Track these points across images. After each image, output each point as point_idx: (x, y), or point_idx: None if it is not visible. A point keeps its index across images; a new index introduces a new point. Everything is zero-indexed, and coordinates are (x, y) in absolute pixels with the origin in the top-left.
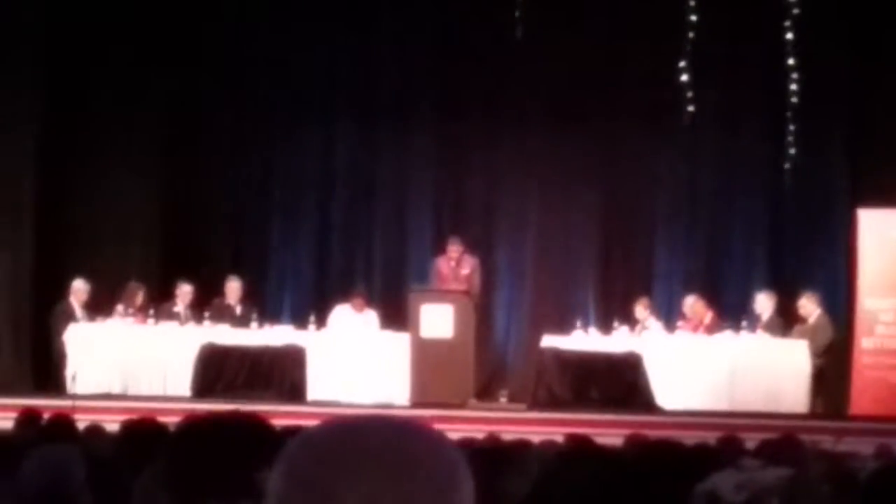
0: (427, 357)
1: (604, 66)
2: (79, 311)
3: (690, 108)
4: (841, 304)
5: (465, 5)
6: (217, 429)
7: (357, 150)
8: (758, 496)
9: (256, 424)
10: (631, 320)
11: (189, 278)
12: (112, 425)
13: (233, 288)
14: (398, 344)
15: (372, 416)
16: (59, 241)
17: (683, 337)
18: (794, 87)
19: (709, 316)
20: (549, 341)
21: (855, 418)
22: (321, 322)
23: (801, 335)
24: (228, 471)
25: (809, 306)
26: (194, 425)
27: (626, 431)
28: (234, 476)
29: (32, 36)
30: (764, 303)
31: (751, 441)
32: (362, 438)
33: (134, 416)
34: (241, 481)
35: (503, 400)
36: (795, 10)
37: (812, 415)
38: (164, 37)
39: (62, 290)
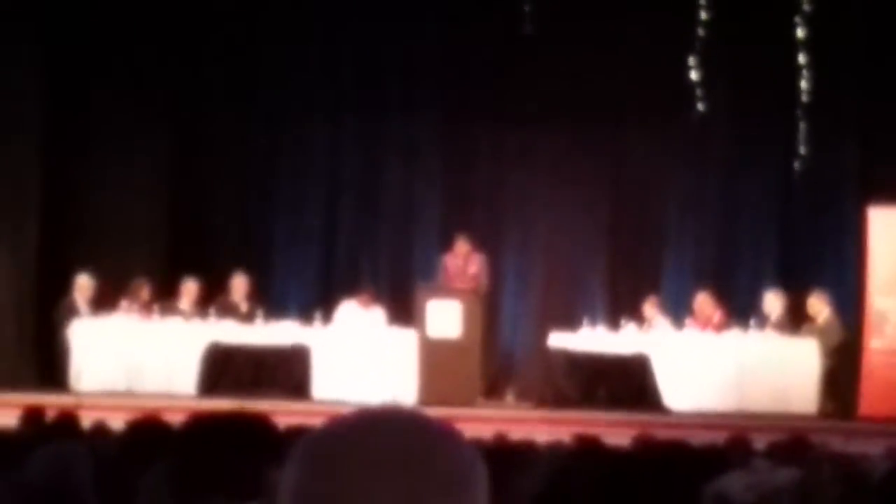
0: (434, 355)
1: (612, 64)
2: (83, 306)
3: (700, 106)
4: (851, 304)
5: (472, 4)
6: (221, 429)
7: (364, 147)
8: (768, 497)
9: (260, 424)
10: (639, 318)
11: (194, 274)
12: (117, 423)
13: (238, 284)
14: (405, 341)
15: (388, 410)
16: (64, 236)
17: (692, 335)
18: (804, 85)
19: (717, 314)
20: (557, 339)
21: (865, 419)
22: (327, 318)
23: (811, 335)
24: (233, 470)
25: (819, 306)
26: (199, 425)
27: (634, 431)
28: (238, 475)
29: (35, 36)
30: (773, 302)
31: (759, 442)
32: (380, 433)
33: (139, 415)
34: (245, 480)
35: (510, 399)
36: (807, 8)
37: (821, 415)
38: (167, 35)
39: (66, 286)
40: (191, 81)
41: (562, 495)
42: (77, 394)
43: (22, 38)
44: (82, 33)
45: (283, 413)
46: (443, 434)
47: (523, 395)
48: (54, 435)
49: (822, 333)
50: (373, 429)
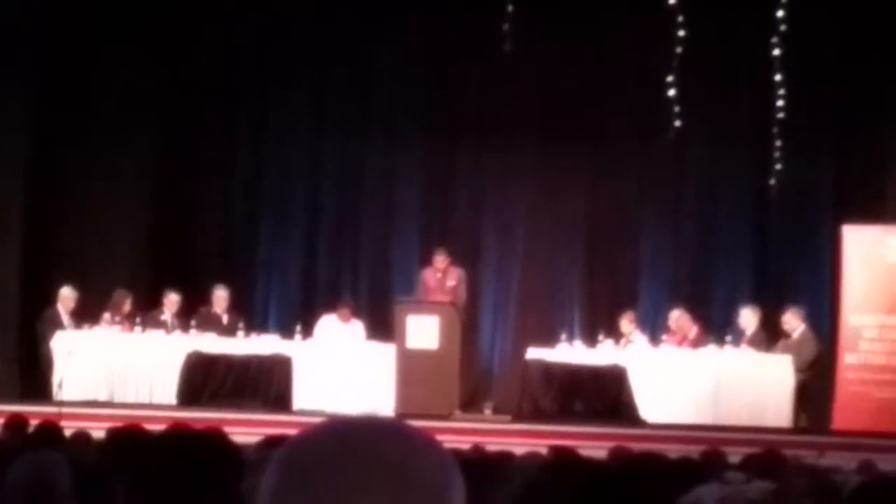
0: (412, 368)
1: (591, 81)
2: (66, 318)
3: (677, 123)
4: (825, 320)
5: (455, 19)
6: (186, 446)
7: (345, 162)
8: None
9: (218, 440)
10: (616, 334)
11: (176, 287)
12: (98, 432)
13: (220, 297)
14: (384, 354)
15: (366, 418)
16: (47, 248)
17: (668, 351)
18: (780, 103)
19: (693, 330)
20: (535, 354)
21: (838, 433)
22: (307, 332)
23: (786, 350)
24: (200, 483)
25: (794, 321)
26: (166, 441)
27: (610, 444)
28: (206, 487)
29: (24, 50)
30: (749, 317)
31: (734, 455)
32: (356, 442)
33: (120, 424)
34: (212, 492)
35: (488, 412)
36: (783, 27)
37: (795, 429)
38: (150, 58)
39: (50, 298)
40: (174, 99)
41: None
42: (59, 404)
43: (7, 62)
44: (66, 58)
45: (264, 424)
46: (420, 442)
47: (500, 408)
48: (36, 444)
49: (796, 349)
50: (349, 437)
